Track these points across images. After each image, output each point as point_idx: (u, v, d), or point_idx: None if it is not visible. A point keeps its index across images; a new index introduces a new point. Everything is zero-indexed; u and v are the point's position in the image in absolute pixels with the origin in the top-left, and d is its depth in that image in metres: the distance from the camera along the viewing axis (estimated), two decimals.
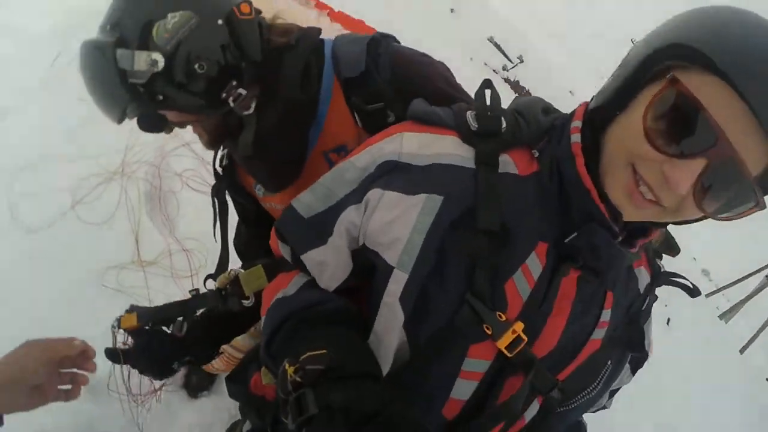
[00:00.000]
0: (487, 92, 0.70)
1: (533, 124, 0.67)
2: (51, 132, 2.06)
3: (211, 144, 1.05)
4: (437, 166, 0.64)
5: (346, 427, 0.52)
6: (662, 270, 0.77)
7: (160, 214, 2.08)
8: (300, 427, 0.54)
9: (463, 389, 0.64)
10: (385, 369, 0.64)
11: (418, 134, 0.67)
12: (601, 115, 0.61)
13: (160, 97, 0.89)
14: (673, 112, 0.51)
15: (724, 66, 0.48)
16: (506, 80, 4.37)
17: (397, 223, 0.63)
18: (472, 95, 0.74)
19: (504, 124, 0.66)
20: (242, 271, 1.01)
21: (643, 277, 0.75)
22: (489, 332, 0.60)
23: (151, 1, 0.86)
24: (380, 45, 0.95)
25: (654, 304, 0.77)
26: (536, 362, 0.62)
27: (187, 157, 2.23)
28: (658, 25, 0.57)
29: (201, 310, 1.08)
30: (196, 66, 0.86)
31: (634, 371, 0.80)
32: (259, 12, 0.95)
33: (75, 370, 0.85)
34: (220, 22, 0.87)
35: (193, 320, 1.06)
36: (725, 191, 0.53)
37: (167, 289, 1.85)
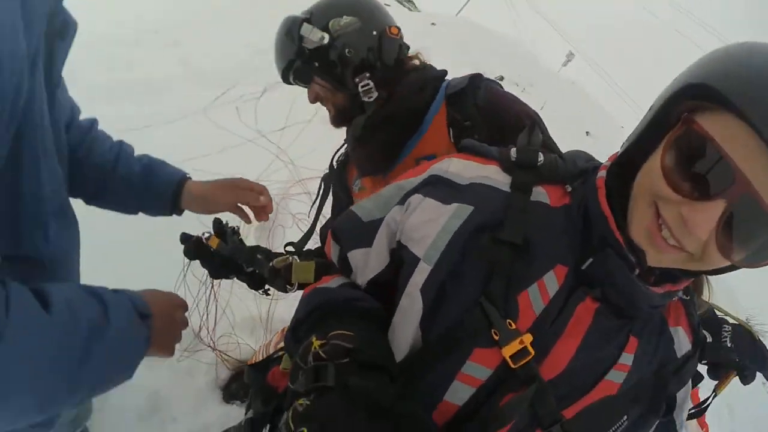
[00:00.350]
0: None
1: (570, 164, 0.72)
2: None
3: (336, 120, 1.33)
4: (476, 185, 0.70)
5: (365, 411, 0.53)
6: (708, 342, 0.76)
7: (265, 239, 2.44)
8: (310, 392, 0.56)
9: (458, 393, 0.63)
10: (397, 358, 0.66)
11: (465, 161, 0.75)
12: (629, 160, 0.62)
13: (316, 64, 1.24)
14: (689, 152, 0.52)
15: (739, 102, 0.47)
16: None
17: (430, 224, 0.68)
18: None
19: (541, 159, 0.71)
20: (297, 260, 1.14)
21: (682, 340, 0.72)
22: (496, 338, 0.60)
23: (339, 4, 1.24)
24: (483, 80, 1.19)
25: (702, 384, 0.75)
26: (539, 378, 0.60)
27: (305, 203, 2.59)
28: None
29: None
30: (346, 51, 1.20)
31: None
32: (402, 39, 1.28)
33: None
34: (374, 33, 1.23)
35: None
36: (750, 235, 0.51)
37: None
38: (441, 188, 0.72)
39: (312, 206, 1.46)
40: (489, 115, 1.12)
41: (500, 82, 1.24)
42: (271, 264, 1.18)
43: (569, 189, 0.70)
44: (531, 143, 0.75)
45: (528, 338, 0.60)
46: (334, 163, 1.46)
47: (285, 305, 2.21)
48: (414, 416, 0.57)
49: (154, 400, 1.96)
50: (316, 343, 0.60)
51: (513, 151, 0.73)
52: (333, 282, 0.80)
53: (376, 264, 0.74)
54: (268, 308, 2.20)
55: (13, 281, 0.54)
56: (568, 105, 7.84)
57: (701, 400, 0.92)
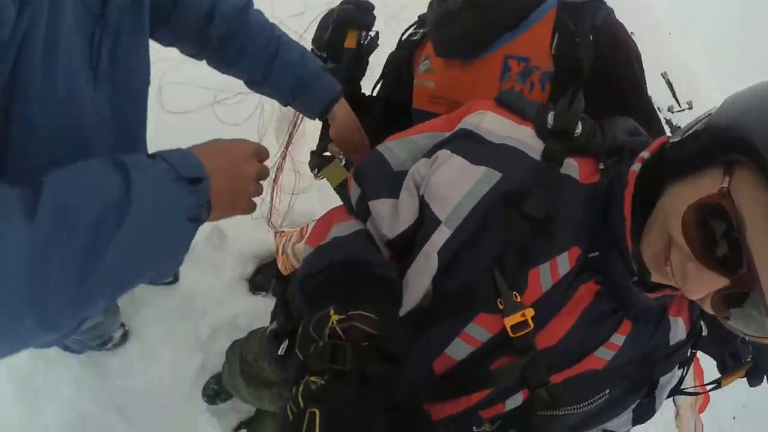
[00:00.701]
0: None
1: (609, 138, 0.68)
2: None
3: None
4: (507, 147, 0.68)
5: (379, 402, 0.53)
6: (703, 334, 0.75)
7: (285, 134, 2.34)
8: (324, 373, 0.55)
9: (458, 349, 0.65)
10: (405, 310, 0.66)
11: (500, 117, 0.72)
12: (668, 163, 0.58)
13: None
14: (714, 221, 0.49)
15: None
16: (668, 122, 4.06)
17: (455, 185, 0.67)
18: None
19: (579, 129, 0.68)
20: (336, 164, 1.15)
21: (679, 330, 0.72)
22: (501, 307, 0.63)
23: None
24: (605, 3, 0.99)
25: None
26: (534, 348, 0.63)
27: None
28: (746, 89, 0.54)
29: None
30: None
31: (635, 422, 0.78)
32: None
33: None
34: None
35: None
36: (746, 317, 0.51)
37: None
38: (471, 145, 0.69)
39: (375, 87, 1.29)
40: (603, 39, 0.95)
41: None
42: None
43: (602, 167, 0.68)
44: (572, 109, 0.70)
45: (530, 312, 0.62)
46: (407, 40, 1.24)
47: (305, 199, 2.18)
48: (423, 417, 0.57)
49: (183, 296, 2.00)
50: (334, 317, 0.58)
51: (550, 116, 0.69)
52: (348, 225, 0.76)
53: (408, 217, 0.71)
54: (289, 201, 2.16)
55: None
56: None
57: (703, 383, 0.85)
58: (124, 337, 1.86)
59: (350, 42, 1.15)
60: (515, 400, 0.65)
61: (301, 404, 0.52)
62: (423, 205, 0.70)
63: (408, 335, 0.64)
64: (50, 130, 0.60)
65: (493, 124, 0.71)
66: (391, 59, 1.26)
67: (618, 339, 0.66)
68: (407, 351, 0.62)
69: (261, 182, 0.72)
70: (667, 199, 0.57)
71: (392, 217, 0.72)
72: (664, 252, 0.55)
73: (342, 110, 1.10)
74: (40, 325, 0.45)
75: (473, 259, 0.65)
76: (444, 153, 0.70)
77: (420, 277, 0.66)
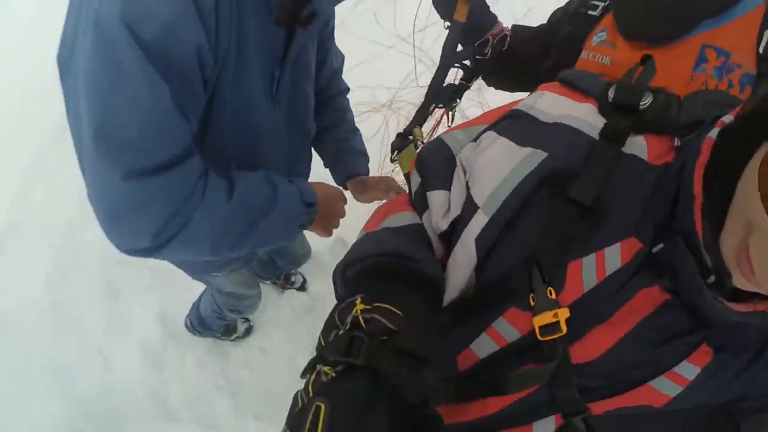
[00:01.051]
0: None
1: (688, 111, 0.56)
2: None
3: None
4: (560, 125, 0.59)
5: (388, 403, 0.48)
6: None
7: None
8: (337, 364, 0.52)
9: (483, 346, 0.59)
10: (447, 300, 0.63)
11: (559, 96, 0.64)
12: (755, 127, 0.46)
13: None
14: None
15: None
16: None
17: (497, 168, 0.60)
18: None
19: (647, 100, 0.56)
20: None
21: None
22: (533, 303, 0.54)
23: None
24: None
25: None
26: (562, 358, 0.53)
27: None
28: None
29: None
30: None
31: None
32: None
33: None
34: None
35: None
36: None
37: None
38: (520, 124, 0.63)
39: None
40: None
41: None
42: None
43: (677, 143, 0.55)
44: (640, 80, 0.59)
45: (564, 313, 0.52)
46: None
47: None
48: (437, 424, 0.51)
49: (308, 300, 2.13)
50: (359, 306, 0.54)
51: (612, 88, 0.58)
52: (401, 217, 0.72)
53: (458, 205, 0.64)
54: None
55: (212, 174, 0.77)
56: None
57: None
58: (248, 330, 2.02)
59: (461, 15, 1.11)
60: (546, 427, 0.56)
61: (310, 393, 0.50)
62: (468, 191, 0.64)
63: (444, 328, 0.60)
64: (234, 140, 0.86)
65: (549, 103, 0.63)
66: (555, 20, 1.13)
67: (689, 370, 0.51)
68: (434, 348, 0.56)
69: (340, 219, 1.11)
70: (747, 172, 0.44)
71: (444, 206, 0.66)
72: (744, 244, 0.43)
73: (352, 186, 1.30)
74: (212, 253, 0.81)
75: (510, 247, 0.57)
76: (489, 135, 0.65)
77: (458, 267, 0.61)
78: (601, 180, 0.54)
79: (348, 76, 1.40)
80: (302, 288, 2.17)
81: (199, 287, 1.70)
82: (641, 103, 0.56)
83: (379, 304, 0.54)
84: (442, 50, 1.18)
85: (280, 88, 0.90)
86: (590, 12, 1.04)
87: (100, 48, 0.61)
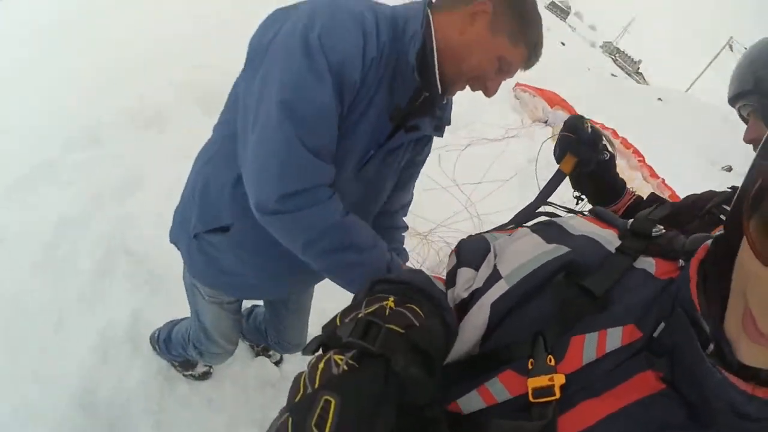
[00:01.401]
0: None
1: (694, 241, 0.61)
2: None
3: None
4: (584, 236, 0.68)
5: (397, 400, 0.50)
6: None
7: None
8: (350, 346, 0.53)
9: (470, 402, 0.60)
10: (452, 358, 0.65)
11: (587, 221, 0.73)
12: (728, 241, 0.50)
13: None
14: None
15: None
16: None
17: (524, 253, 0.67)
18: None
19: (658, 230, 0.66)
20: None
21: None
22: (530, 367, 0.57)
23: None
24: None
25: None
26: (551, 421, 0.54)
27: None
28: None
29: None
30: None
31: None
32: None
33: None
34: None
35: None
36: None
37: None
38: (551, 229, 0.71)
39: None
40: None
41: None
42: None
43: (681, 263, 0.61)
44: (652, 214, 0.73)
45: (559, 379, 0.55)
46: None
47: None
48: (440, 425, 0.54)
49: (278, 374, 2.10)
50: (390, 302, 0.60)
51: (630, 220, 0.70)
52: (435, 283, 0.79)
53: (482, 278, 0.70)
54: None
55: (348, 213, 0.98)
56: None
57: None
58: (205, 375, 1.95)
59: (566, 167, 1.19)
60: None
61: (317, 384, 0.50)
62: (495, 267, 0.70)
63: (445, 381, 0.63)
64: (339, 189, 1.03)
65: (579, 223, 0.72)
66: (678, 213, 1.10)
67: None
68: (441, 366, 0.60)
69: None
70: (739, 258, 0.47)
71: (470, 282, 0.72)
72: (748, 308, 0.44)
73: None
74: (303, 247, 0.96)
75: (521, 319, 0.61)
76: (523, 230, 0.73)
77: (471, 328, 0.64)
78: (613, 279, 0.60)
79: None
80: (277, 363, 2.15)
81: (181, 311, 1.67)
82: (653, 231, 0.66)
83: (410, 305, 0.60)
84: (544, 186, 1.26)
85: (367, 167, 1.07)
86: (722, 217, 1.04)
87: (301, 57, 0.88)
